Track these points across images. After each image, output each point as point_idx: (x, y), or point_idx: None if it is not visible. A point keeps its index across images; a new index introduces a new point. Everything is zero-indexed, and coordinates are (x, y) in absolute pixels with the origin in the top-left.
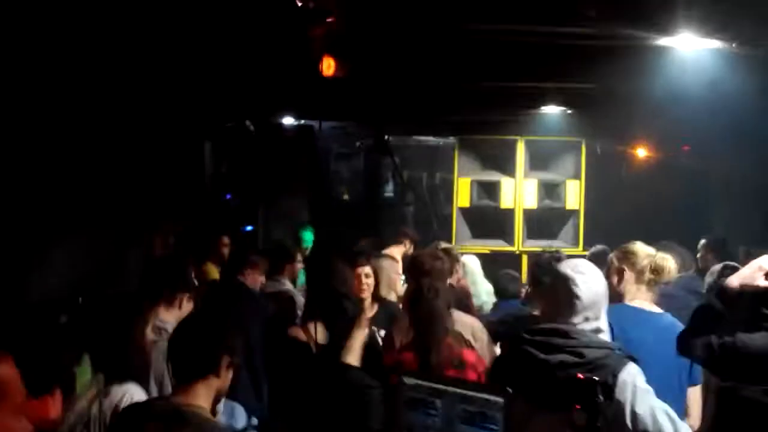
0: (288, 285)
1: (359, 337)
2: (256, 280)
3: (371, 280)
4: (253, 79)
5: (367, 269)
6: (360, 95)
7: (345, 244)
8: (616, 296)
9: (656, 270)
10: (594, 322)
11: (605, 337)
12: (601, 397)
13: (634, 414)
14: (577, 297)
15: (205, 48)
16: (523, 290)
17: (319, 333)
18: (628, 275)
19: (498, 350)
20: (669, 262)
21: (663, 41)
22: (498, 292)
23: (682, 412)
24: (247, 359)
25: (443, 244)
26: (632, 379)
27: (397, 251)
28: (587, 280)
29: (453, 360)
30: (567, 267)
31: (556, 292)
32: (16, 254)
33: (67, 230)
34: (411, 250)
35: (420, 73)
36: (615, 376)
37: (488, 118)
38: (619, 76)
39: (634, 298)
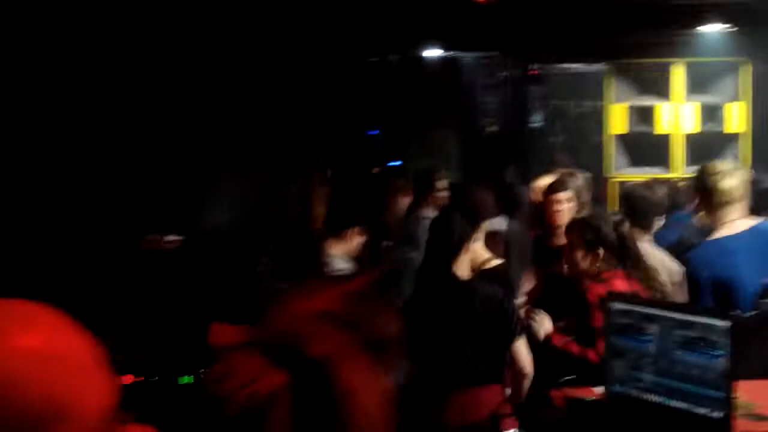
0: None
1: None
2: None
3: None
4: (396, 11)
5: (560, 195)
6: (505, 23)
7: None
8: None
9: None
10: None
11: None
12: None
13: None
14: None
15: None
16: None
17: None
18: None
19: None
20: None
21: None
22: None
23: None
24: None
25: None
26: None
27: (546, 180)
28: None
29: None
30: None
31: None
32: (188, 191)
33: (231, 170)
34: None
35: None
36: None
37: (642, 40)
38: None
39: None
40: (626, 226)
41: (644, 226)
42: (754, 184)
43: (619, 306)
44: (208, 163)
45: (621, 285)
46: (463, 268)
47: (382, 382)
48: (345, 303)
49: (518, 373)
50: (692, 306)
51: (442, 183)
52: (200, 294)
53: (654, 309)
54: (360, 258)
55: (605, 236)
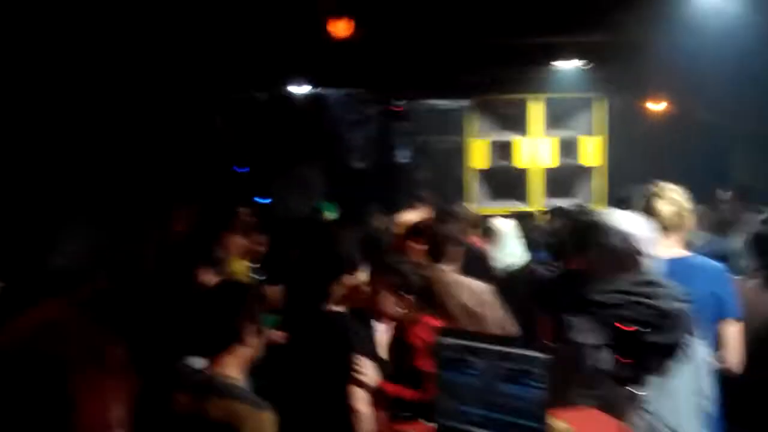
0: None
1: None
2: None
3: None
4: (261, 48)
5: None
6: (370, 60)
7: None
8: None
9: None
10: None
11: None
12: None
13: None
14: None
15: (210, 22)
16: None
17: None
18: None
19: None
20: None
21: None
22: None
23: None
24: None
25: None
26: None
27: (411, 216)
28: None
29: None
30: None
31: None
32: (32, 236)
33: (83, 211)
34: (427, 214)
35: (431, 34)
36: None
37: (503, 76)
38: (637, 27)
39: None
40: (430, 270)
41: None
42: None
43: (446, 341)
44: (57, 206)
45: (434, 323)
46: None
47: (113, 396)
48: (70, 312)
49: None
50: (512, 339)
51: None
52: None
53: (478, 342)
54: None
55: (412, 283)
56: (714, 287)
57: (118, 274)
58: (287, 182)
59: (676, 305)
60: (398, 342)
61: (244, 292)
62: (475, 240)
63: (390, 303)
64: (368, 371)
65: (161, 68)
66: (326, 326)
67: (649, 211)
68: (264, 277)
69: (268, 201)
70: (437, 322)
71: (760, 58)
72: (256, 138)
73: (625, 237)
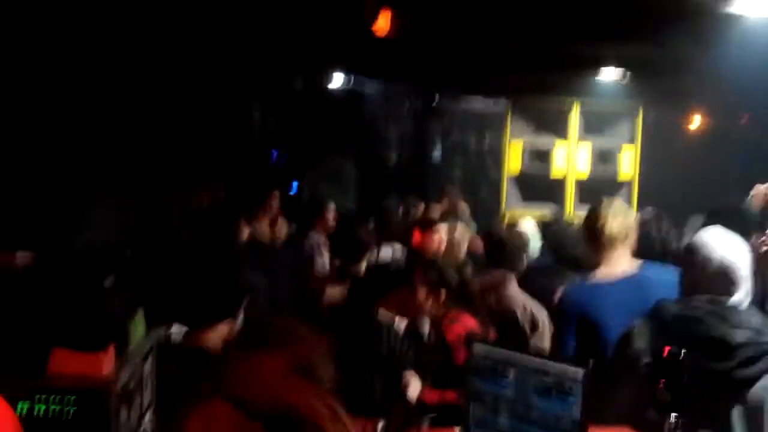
0: (321, 239)
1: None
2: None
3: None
4: (304, 36)
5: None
6: (411, 55)
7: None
8: None
9: None
10: None
11: None
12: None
13: None
14: None
15: (256, 4)
16: None
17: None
18: None
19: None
20: None
21: (728, 7)
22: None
23: None
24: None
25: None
26: None
27: (437, 209)
28: None
29: None
30: None
31: None
32: (63, 208)
33: (116, 185)
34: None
35: (473, 33)
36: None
37: (542, 80)
38: (681, 41)
39: None
40: (468, 270)
41: (511, 268)
42: (642, 226)
43: (479, 349)
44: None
45: (471, 322)
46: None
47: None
48: (305, 353)
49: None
50: (549, 354)
51: (331, 211)
52: (43, 316)
53: (513, 354)
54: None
55: (449, 279)
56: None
57: (146, 246)
58: (319, 170)
59: (740, 335)
60: (437, 339)
61: (237, 269)
62: None
63: (426, 299)
64: (413, 383)
65: (204, 49)
66: (374, 336)
67: (599, 228)
68: None
69: (295, 191)
70: (473, 322)
71: None
72: (292, 126)
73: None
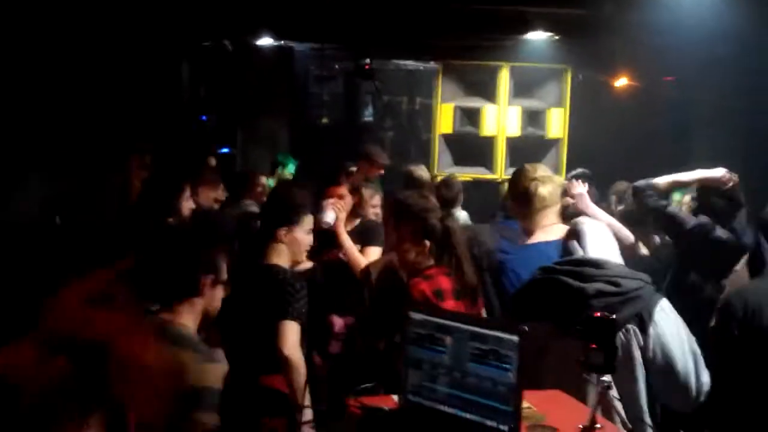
0: (254, 207)
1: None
2: (208, 198)
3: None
4: None
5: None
6: (341, 16)
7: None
8: None
9: None
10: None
11: None
12: (621, 336)
13: (663, 350)
14: None
15: None
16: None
17: None
18: None
19: None
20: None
21: None
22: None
23: None
24: None
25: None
26: (665, 315)
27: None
28: None
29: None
30: None
31: None
32: None
33: (43, 153)
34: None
35: None
36: (650, 312)
37: (472, 43)
38: (609, 2)
39: None
40: (452, 220)
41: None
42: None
43: (416, 316)
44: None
45: (445, 282)
46: (279, 258)
47: (160, 353)
48: (110, 283)
49: (284, 362)
50: (485, 319)
51: (262, 179)
52: None
53: (449, 320)
54: None
55: (432, 228)
56: None
57: (78, 220)
58: (251, 134)
59: (632, 283)
60: (400, 294)
61: (203, 243)
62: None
63: (407, 249)
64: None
65: (125, 14)
66: (262, 280)
67: (531, 192)
68: None
69: (228, 151)
70: (448, 280)
71: (728, 39)
72: (222, 90)
73: None
